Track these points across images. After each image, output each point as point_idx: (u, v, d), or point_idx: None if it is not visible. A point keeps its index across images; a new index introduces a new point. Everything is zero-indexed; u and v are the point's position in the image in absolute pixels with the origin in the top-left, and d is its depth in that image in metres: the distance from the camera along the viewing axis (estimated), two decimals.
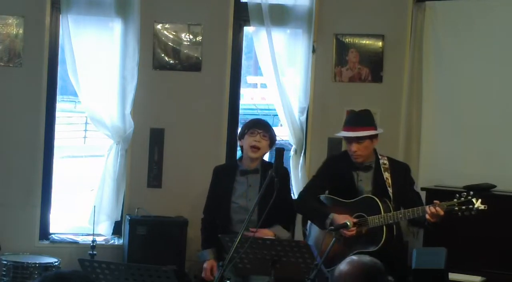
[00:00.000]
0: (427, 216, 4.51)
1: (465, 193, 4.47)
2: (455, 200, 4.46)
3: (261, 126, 5.02)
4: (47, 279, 2.53)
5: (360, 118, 4.93)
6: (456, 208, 4.44)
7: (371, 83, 6.37)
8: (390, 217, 4.63)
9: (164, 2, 6.26)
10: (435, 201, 4.53)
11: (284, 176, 5.01)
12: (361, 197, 4.82)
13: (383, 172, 4.84)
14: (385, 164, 4.88)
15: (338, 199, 4.93)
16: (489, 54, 5.93)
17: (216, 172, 5.21)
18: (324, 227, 4.79)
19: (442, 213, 4.48)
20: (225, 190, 5.03)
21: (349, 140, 4.85)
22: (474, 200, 4.43)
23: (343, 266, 3.02)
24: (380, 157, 4.92)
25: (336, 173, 4.96)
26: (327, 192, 5.02)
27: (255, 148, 4.98)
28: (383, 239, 4.64)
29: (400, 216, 4.61)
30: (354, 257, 3.09)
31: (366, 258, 3.06)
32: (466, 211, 4.42)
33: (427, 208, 4.53)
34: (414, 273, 4.17)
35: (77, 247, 6.11)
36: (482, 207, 4.42)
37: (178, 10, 6.28)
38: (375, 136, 4.88)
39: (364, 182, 4.89)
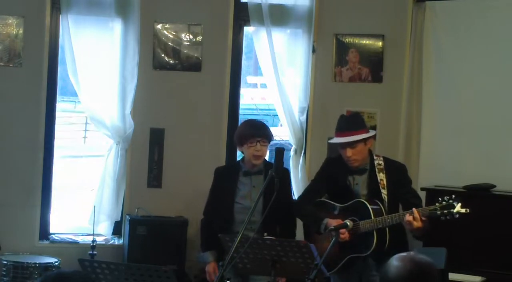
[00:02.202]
0: (406, 225, 4.51)
1: (447, 197, 4.45)
2: (437, 204, 4.44)
3: (259, 134, 4.93)
4: (48, 279, 2.53)
5: (350, 123, 4.86)
6: (439, 212, 4.40)
7: (371, 83, 6.37)
8: (379, 221, 4.61)
9: (164, 2, 6.26)
10: (413, 209, 4.48)
11: (284, 176, 5.01)
12: (353, 201, 4.80)
13: (377, 173, 4.80)
14: (380, 165, 4.84)
15: (332, 203, 4.92)
16: (489, 54, 5.93)
17: (218, 173, 5.18)
18: (319, 231, 4.79)
19: (418, 217, 4.43)
20: (228, 190, 5.01)
21: (342, 146, 4.80)
22: (455, 204, 4.40)
23: (395, 262, 2.86)
24: (375, 157, 4.87)
25: (332, 176, 4.94)
26: (326, 195, 5.01)
27: (257, 157, 4.95)
28: (374, 244, 4.65)
29: (388, 220, 4.59)
30: (405, 254, 2.90)
31: (421, 258, 2.87)
32: (448, 215, 4.39)
33: (406, 215, 4.50)
34: None
35: (77, 247, 6.11)
36: (463, 210, 4.38)
37: (178, 10, 6.28)
38: (368, 139, 4.85)
39: (360, 185, 4.86)
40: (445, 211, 4.38)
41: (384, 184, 4.77)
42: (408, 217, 4.46)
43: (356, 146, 4.77)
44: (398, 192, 4.75)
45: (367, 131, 4.85)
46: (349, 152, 4.76)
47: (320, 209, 4.91)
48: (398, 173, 4.87)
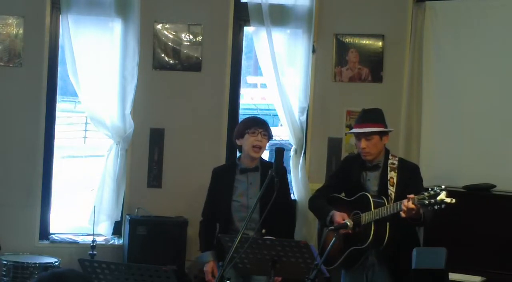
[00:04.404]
0: (401, 213, 4.54)
1: (437, 187, 4.48)
2: (425, 193, 4.49)
3: (261, 125, 5.03)
4: (43, 279, 2.53)
5: (369, 116, 4.97)
6: (426, 202, 4.45)
7: (371, 83, 6.37)
8: (377, 212, 4.67)
9: (164, 2, 6.26)
10: (408, 195, 4.54)
11: (283, 175, 5.02)
12: (358, 195, 4.86)
13: (389, 172, 4.87)
14: (393, 164, 4.90)
15: (341, 197, 5.00)
16: (489, 54, 5.93)
17: (215, 173, 5.20)
18: (326, 224, 4.84)
19: (412, 206, 4.48)
20: (225, 188, 5.04)
21: (358, 137, 4.88)
22: (440, 193, 4.44)
23: None
24: (390, 157, 4.95)
25: (348, 172, 5.02)
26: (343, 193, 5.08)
27: (257, 148, 4.98)
28: (370, 237, 4.68)
29: (384, 211, 4.64)
30: None
31: None
32: (435, 204, 4.44)
33: (404, 201, 4.54)
34: (414, 273, 4.17)
35: (77, 247, 6.11)
36: (448, 200, 4.42)
37: (178, 10, 6.28)
38: (385, 134, 4.91)
39: (372, 181, 4.93)
40: (432, 201, 4.43)
41: (393, 182, 4.84)
42: (405, 203, 4.51)
43: (371, 138, 4.85)
44: (407, 191, 4.77)
45: (384, 127, 4.92)
46: (363, 143, 4.86)
47: (332, 204, 4.98)
48: (409, 173, 4.92)
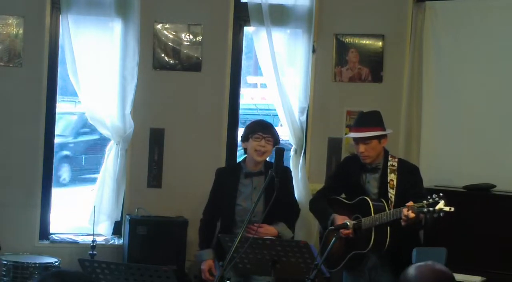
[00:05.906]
0: (401, 221, 4.53)
1: (435, 195, 4.48)
2: (424, 201, 4.47)
3: (266, 131, 4.99)
4: (47, 276, 2.53)
5: (367, 119, 4.95)
6: (425, 210, 4.45)
7: (371, 83, 6.37)
8: (377, 218, 4.66)
9: (164, 2, 6.26)
10: (407, 204, 4.52)
11: (285, 176, 5.02)
12: (358, 198, 4.85)
13: (388, 174, 4.86)
14: (393, 166, 4.89)
15: (343, 200, 4.98)
16: (489, 54, 5.93)
17: (219, 174, 5.19)
18: (326, 227, 4.84)
19: (412, 215, 4.48)
20: (229, 192, 5.03)
21: (356, 141, 4.87)
22: (439, 201, 4.43)
23: (411, 270, 2.90)
24: (390, 158, 4.92)
25: (348, 174, 5.01)
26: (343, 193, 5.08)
27: (260, 152, 4.97)
28: (371, 242, 4.68)
29: (384, 217, 4.63)
30: (423, 263, 2.92)
31: (437, 265, 2.90)
32: (434, 213, 4.43)
33: (404, 210, 4.53)
34: None
35: (77, 247, 6.11)
36: (446, 208, 4.41)
37: (178, 10, 6.28)
38: (383, 136, 4.89)
39: (372, 183, 4.92)
40: (431, 209, 4.43)
41: (393, 185, 4.82)
42: (405, 211, 4.49)
43: (370, 142, 4.84)
44: (407, 193, 4.76)
45: (383, 129, 4.89)
46: (362, 148, 4.85)
47: (332, 206, 4.98)
48: (409, 174, 4.91)
